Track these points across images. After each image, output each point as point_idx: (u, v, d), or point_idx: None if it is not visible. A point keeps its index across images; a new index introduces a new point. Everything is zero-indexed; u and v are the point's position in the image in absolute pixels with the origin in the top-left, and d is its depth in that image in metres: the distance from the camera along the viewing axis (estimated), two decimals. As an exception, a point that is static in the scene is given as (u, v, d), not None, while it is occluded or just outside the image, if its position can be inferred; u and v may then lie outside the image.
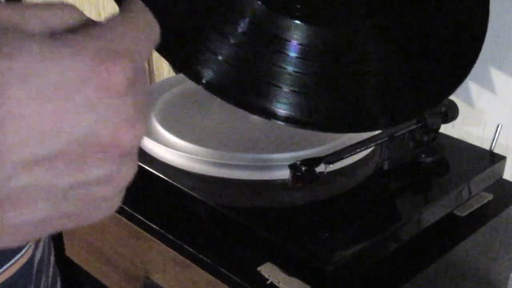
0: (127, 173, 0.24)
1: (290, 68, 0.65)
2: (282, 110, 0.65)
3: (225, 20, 0.66)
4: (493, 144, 0.73)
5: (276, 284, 0.58)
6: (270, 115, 0.65)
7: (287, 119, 0.65)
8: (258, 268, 0.59)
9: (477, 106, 0.91)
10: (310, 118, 0.65)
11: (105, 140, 0.22)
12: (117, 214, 0.72)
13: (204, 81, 0.65)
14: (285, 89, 0.65)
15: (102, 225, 0.75)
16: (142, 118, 0.23)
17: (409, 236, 0.63)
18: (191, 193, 0.64)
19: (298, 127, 0.65)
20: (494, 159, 0.72)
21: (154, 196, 0.70)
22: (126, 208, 0.70)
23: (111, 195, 0.24)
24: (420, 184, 0.68)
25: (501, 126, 0.73)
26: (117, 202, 0.25)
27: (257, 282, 0.59)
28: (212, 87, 0.66)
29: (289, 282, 0.58)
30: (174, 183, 0.65)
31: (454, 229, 0.68)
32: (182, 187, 0.65)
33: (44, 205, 0.22)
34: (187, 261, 0.64)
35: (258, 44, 0.66)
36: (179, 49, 0.66)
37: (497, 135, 0.73)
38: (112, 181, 0.23)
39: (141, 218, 0.69)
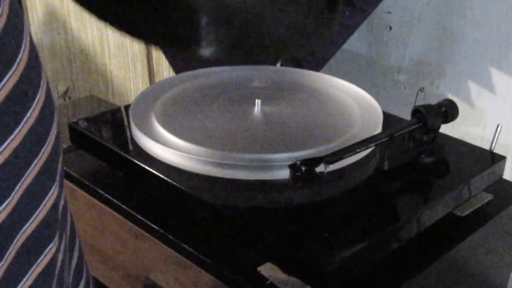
0: None
1: None
2: None
3: None
4: (493, 144, 0.73)
5: (276, 284, 0.58)
6: None
7: None
8: (258, 268, 0.60)
9: (477, 106, 0.91)
10: None
11: None
12: (117, 214, 0.72)
13: None
14: None
15: (102, 225, 0.75)
16: None
17: (409, 236, 0.63)
18: (191, 193, 0.64)
19: None
20: (494, 159, 0.72)
21: (154, 196, 0.70)
22: (126, 208, 0.70)
23: None
24: (420, 184, 0.68)
25: (501, 126, 0.73)
26: None
27: (257, 282, 0.59)
28: None
29: (289, 282, 0.58)
30: (174, 183, 0.65)
31: (454, 229, 0.68)
32: (182, 187, 0.65)
33: None
34: (187, 261, 0.64)
35: None
36: None
37: (497, 135, 0.73)
38: None
39: (141, 218, 0.69)
